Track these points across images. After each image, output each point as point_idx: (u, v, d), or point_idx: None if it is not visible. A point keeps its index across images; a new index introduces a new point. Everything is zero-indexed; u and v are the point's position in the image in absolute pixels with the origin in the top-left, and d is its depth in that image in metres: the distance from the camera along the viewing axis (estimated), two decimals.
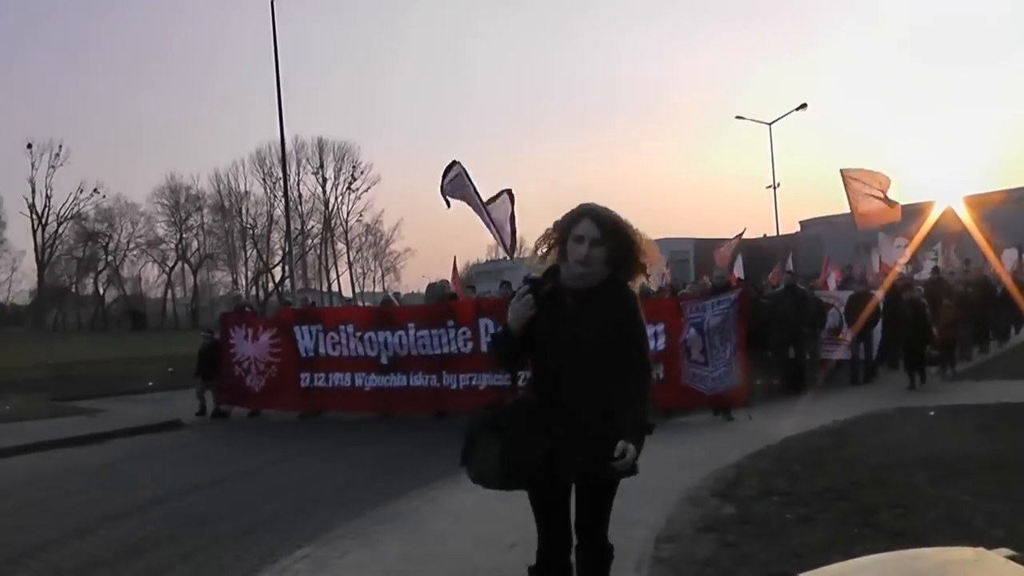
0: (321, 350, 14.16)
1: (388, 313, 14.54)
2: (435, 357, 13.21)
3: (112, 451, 12.51)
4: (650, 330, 10.32)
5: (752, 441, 9.82)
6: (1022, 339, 22.60)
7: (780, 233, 43.20)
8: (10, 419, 15.48)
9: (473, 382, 12.83)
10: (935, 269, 21.66)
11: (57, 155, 77.10)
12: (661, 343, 11.83)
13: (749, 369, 12.13)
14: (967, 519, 6.20)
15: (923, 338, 14.78)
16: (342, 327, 14.08)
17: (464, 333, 12.92)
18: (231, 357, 15.05)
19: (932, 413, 11.12)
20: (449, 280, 20.88)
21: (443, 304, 14.70)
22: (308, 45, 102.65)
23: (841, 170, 16.89)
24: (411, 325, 13.42)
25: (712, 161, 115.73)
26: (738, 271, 22.62)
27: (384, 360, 13.65)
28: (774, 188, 43.47)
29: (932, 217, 21.39)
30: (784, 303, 15.55)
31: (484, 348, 12.10)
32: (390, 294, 24.14)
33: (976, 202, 33.19)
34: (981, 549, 3.53)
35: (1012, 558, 3.41)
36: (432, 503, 7.68)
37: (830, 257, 25.73)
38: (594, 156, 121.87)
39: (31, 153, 76.97)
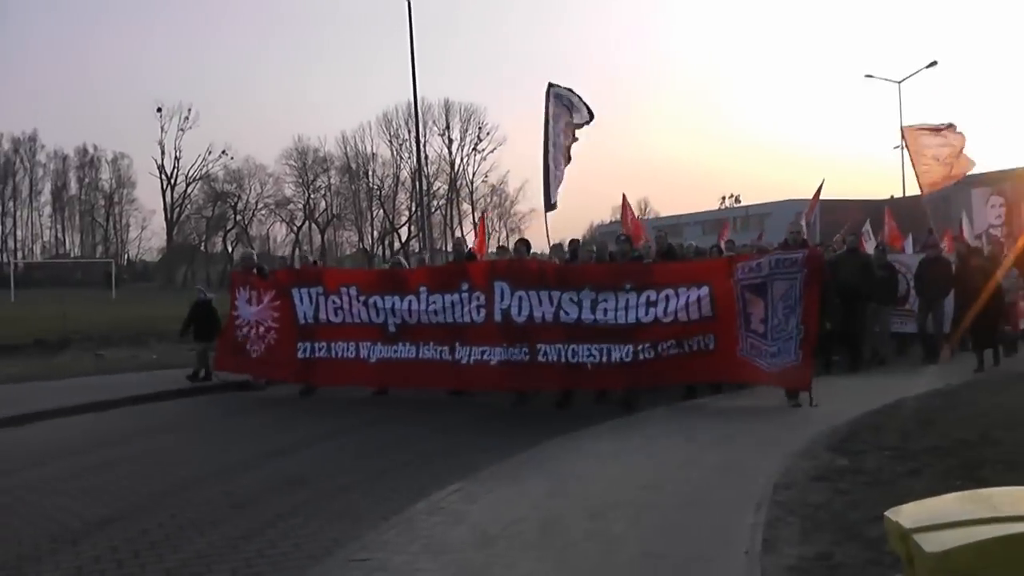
0: (322, 316, 12.86)
1: (398, 275, 13.24)
2: (448, 326, 11.93)
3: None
4: (693, 294, 10.69)
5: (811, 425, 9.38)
6: None
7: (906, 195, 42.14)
8: (157, 367, 16.98)
9: (485, 356, 11.62)
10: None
11: (186, 118, 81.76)
12: (707, 308, 10.69)
13: (813, 346, 10.47)
14: None
15: (994, 312, 13.26)
16: (345, 290, 12.72)
17: (478, 298, 11.66)
18: (234, 320, 13.92)
19: None
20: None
21: (458, 264, 13.56)
22: (435, 5, 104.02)
23: (903, 128, 16.38)
24: (423, 289, 12.08)
25: (841, 121, 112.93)
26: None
27: (392, 328, 12.32)
28: (902, 149, 42.45)
29: None
30: (846, 267, 14.19)
31: (498, 316, 11.47)
32: (400, 257, 22.39)
33: None
34: None
35: None
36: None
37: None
38: (717, 116, 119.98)
39: (160, 116, 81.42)
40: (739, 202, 75.92)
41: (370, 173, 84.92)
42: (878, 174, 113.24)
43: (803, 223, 18.36)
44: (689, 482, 7.24)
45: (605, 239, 21.02)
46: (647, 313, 10.82)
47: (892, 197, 42.35)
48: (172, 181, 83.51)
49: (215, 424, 11.78)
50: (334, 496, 7.53)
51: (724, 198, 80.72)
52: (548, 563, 5.32)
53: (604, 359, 10.88)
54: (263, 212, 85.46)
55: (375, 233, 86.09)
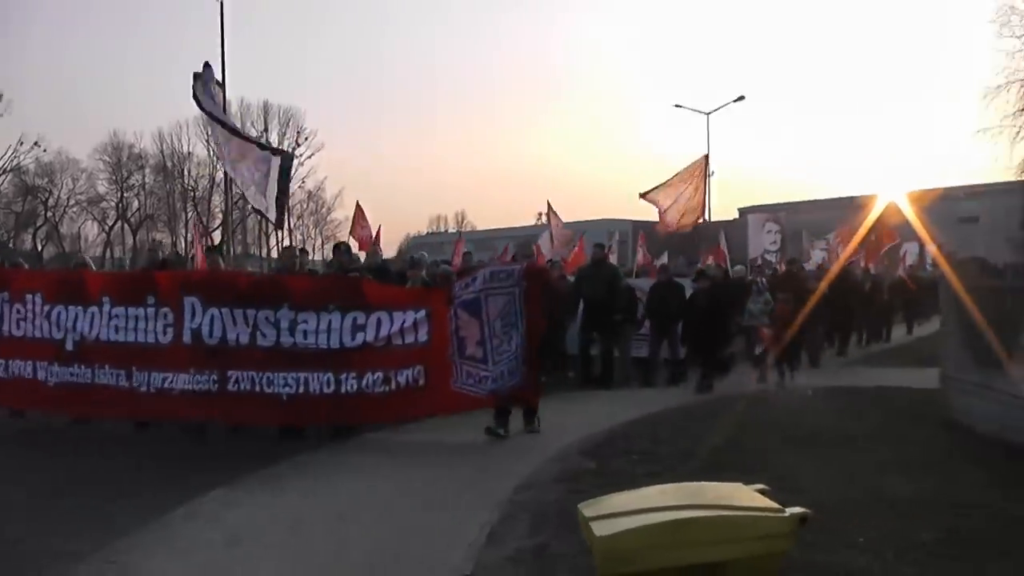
0: (4, 327, 10.74)
1: (79, 281, 10.89)
2: (127, 346, 10.09)
3: None
4: (409, 318, 9.52)
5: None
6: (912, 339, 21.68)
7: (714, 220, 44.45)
8: None
9: (167, 384, 9.82)
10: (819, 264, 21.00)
11: None
12: (423, 334, 9.55)
13: (538, 364, 9.88)
14: (793, 477, 7.28)
15: (712, 333, 13.30)
16: (30, 296, 10.62)
17: (165, 315, 9.95)
18: None
19: (810, 393, 12.24)
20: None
21: (144, 272, 11.80)
22: (258, 6, 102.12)
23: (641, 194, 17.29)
24: (106, 300, 10.23)
25: (652, 147, 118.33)
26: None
27: (69, 345, 10.38)
28: (707, 176, 44.70)
29: (875, 211, 21.92)
30: (591, 281, 13.82)
31: (187, 337, 9.80)
32: (87, 257, 20.03)
33: (919, 197, 34.27)
34: (739, 484, 4.59)
35: (760, 491, 4.48)
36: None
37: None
38: (533, 132, 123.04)
39: None
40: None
41: (185, 173, 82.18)
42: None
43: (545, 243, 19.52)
44: (437, 488, 7.51)
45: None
46: (353, 338, 9.52)
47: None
48: None
49: None
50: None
51: (540, 214, 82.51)
52: None
53: (301, 390, 9.45)
54: (75, 209, 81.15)
55: (188, 235, 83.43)
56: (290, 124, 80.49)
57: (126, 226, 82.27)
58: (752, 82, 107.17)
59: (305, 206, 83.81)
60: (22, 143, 75.53)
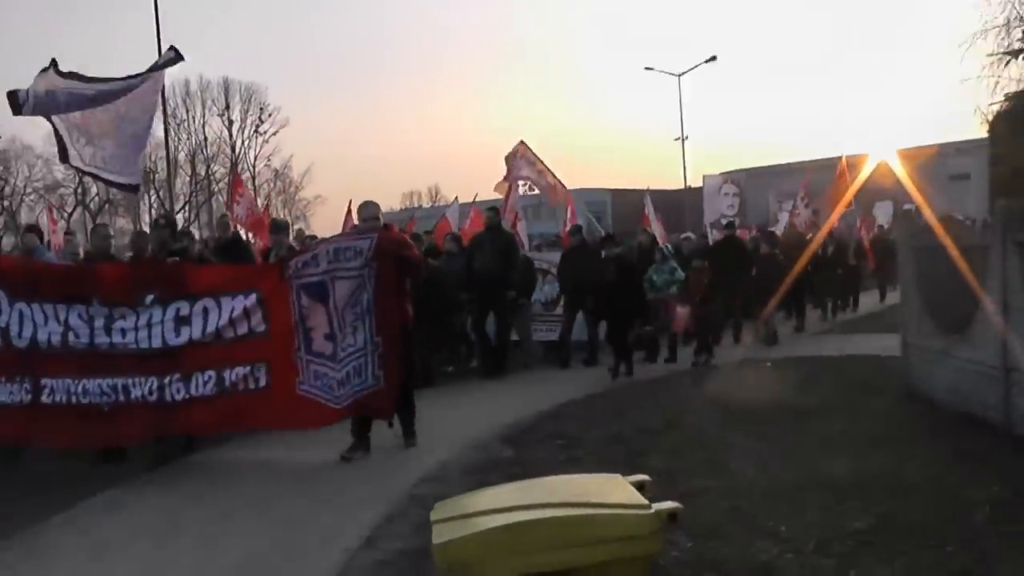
0: None
1: None
2: None
3: None
4: (238, 303, 7.88)
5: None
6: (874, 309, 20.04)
7: (689, 187, 43.88)
8: None
9: None
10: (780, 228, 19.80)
11: None
12: (258, 321, 7.88)
13: (398, 364, 7.83)
14: (725, 460, 6.73)
15: (625, 309, 11.80)
16: None
17: None
18: None
19: (769, 364, 11.69)
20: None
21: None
22: None
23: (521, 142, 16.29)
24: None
25: (624, 112, 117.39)
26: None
27: None
28: (682, 140, 44.45)
29: (865, 172, 20.66)
30: (483, 250, 12.40)
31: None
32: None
33: (912, 155, 33.58)
34: (617, 476, 4.03)
35: (636, 483, 3.92)
36: None
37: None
38: (499, 101, 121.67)
39: None
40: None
41: (144, 155, 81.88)
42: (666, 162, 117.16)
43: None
44: (332, 480, 6.94)
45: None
46: (177, 334, 7.88)
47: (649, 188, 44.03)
48: None
49: None
50: None
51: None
52: None
53: (122, 398, 7.82)
54: (32, 197, 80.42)
55: (150, 220, 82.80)
56: (252, 100, 79.67)
57: (86, 213, 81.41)
58: (726, 44, 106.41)
59: (273, 185, 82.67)
60: None
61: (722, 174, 22.37)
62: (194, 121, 79.60)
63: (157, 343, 7.83)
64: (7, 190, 79.27)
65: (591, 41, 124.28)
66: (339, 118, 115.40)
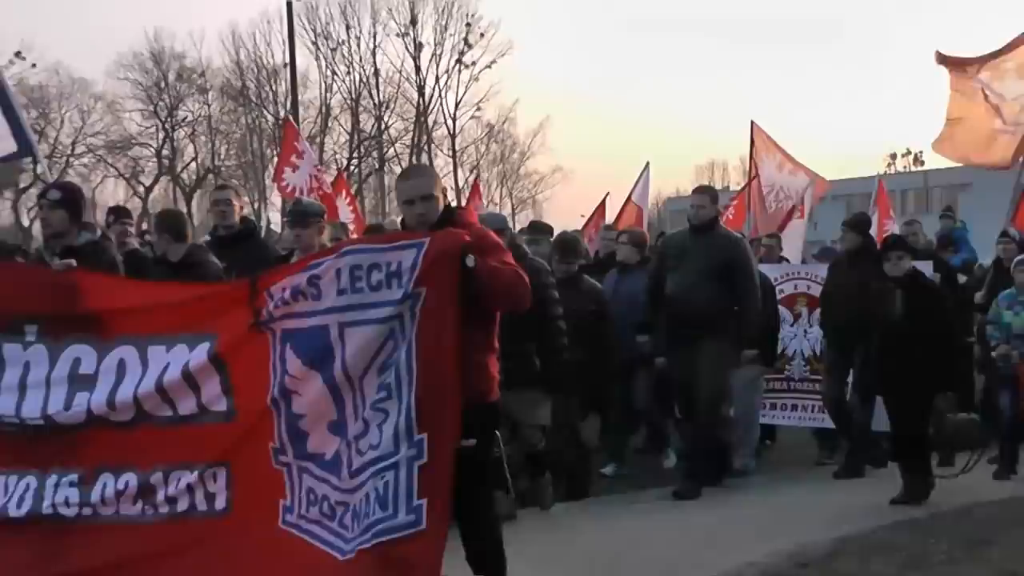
0: None
1: None
2: None
3: None
4: (179, 358, 4.37)
5: None
6: None
7: None
8: None
9: None
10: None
11: None
12: (214, 396, 4.35)
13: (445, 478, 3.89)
14: None
15: (921, 375, 6.47)
16: None
17: None
18: None
19: None
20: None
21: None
22: None
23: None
24: None
25: None
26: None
27: None
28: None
29: None
30: (675, 267, 7.19)
31: None
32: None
33: None
34: None
35: None
36: None
37: None
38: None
39: None
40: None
41: (274, 98, 50.39)
42: None
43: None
44: None
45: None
46: (69, 401, 4.53)
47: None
48: None
49: None
50: None
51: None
52: None
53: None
54: (85, 160, 49.49)
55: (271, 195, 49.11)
56: (454, 11, 50.79)
57: (175, 187, 51.63)
58: None
59: (483, 148, 53.84)
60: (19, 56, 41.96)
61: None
62: (360, 45, 50.49)
63: (34, 414, 4.54)
64: (44, 148, 39.84)
65: None
66: (593, 45, 79.63)
